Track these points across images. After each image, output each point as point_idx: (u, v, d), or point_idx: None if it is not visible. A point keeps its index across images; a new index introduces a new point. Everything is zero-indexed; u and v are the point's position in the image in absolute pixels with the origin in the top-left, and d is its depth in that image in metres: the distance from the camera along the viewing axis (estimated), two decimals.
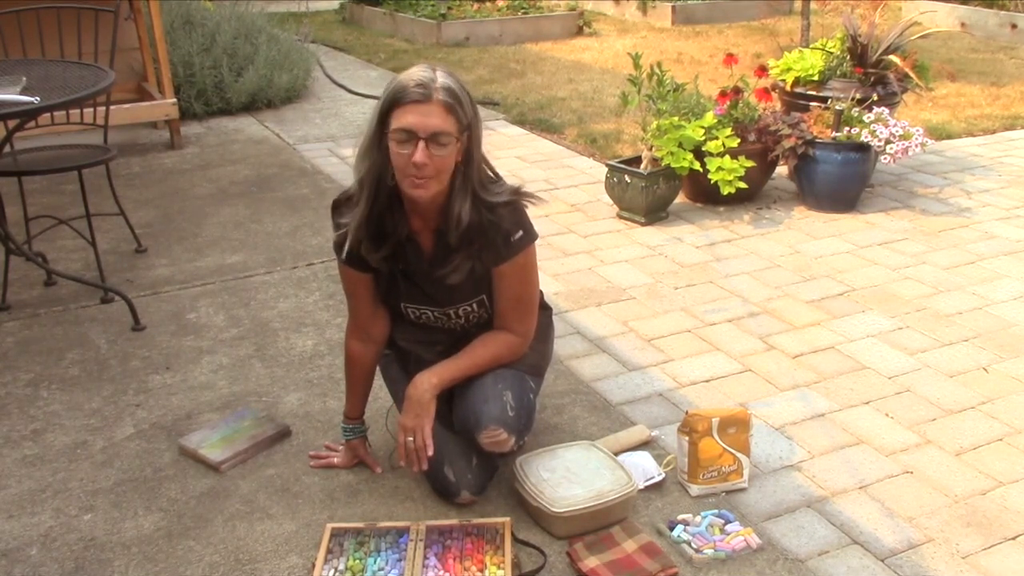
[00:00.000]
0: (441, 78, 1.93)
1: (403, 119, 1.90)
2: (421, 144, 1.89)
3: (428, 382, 2.12)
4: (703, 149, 3.97)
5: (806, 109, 4.35)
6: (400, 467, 2.29)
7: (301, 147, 5.24)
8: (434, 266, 2.13)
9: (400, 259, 2.13)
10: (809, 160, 4.03)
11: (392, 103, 1.92)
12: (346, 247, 2.09)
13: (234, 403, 2.69)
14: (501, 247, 2.08)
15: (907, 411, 2.63)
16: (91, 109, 3.57)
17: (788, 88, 4.61)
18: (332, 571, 1.99)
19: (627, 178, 3.99)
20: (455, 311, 2.20)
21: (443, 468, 2.19)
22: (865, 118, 4.03)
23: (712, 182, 3.93)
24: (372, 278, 2.19)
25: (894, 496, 2.27)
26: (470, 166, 2.01)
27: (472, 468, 2.21)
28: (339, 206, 2.14)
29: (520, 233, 2.09)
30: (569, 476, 2.18)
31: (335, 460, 2.39)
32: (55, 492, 2.31)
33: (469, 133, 1.98)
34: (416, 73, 1.93)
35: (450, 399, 2.24)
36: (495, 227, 2.06)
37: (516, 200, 2.09)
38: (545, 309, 2.40)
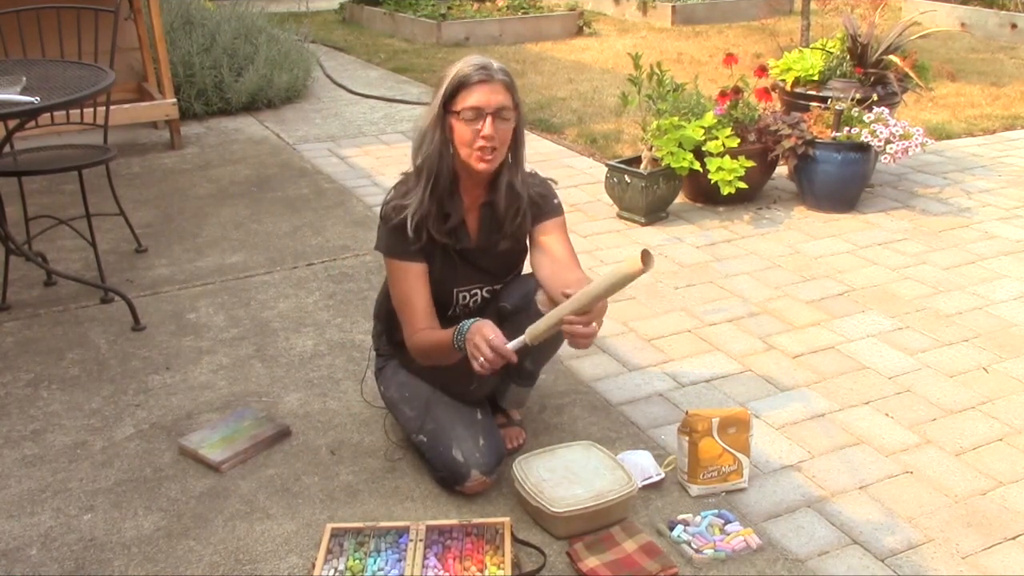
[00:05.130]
0: (495, 62, 2.14)
1: (470, 99, 2.09)
2: (489, 119, 2.09)
3: None
4: (703, 149, 3.97)
5: (806, 109, 4.35)
6: (395, 460, 2.32)
7: (301, 147, 5.24)
8: (482, 238, 2.28)
9: (455, 238, 2.25)
10: (809, 160, 4.03)
11: (457, 86, 2.10)
12: (411, 226, 2.16)
13: (234, 403, 2.69)
14: (547, 206, 2.31)
15: (907, 411, 2.63)
16: (91, 109, 3.57)
17: (788, 88, 4.61)
18: (332, 571, 1.99)
19: (627, 178, 3.99)
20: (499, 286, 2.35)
21: (451, 450, 2.23)
22: (865, 118, 4.03)
23: (712, 182, 3.93)
24: (427, 268, 2.25)
25: (894, 496, 2.27)
26: (519, 141, 2.22)
27: (480, 448, 2.24)
28: (392, 214, 2.22)
29: (557, 199, 2.35)
30: (569, 476, 2.18)
31: (483, 359, 2.00)
32: (55, 492, 2.31)
33: (518, 110, 2.17)
34: (472, 60, 2.12)
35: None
36: (540, 195, 2.31)
37: (547, 180, 2.38)
38: None
